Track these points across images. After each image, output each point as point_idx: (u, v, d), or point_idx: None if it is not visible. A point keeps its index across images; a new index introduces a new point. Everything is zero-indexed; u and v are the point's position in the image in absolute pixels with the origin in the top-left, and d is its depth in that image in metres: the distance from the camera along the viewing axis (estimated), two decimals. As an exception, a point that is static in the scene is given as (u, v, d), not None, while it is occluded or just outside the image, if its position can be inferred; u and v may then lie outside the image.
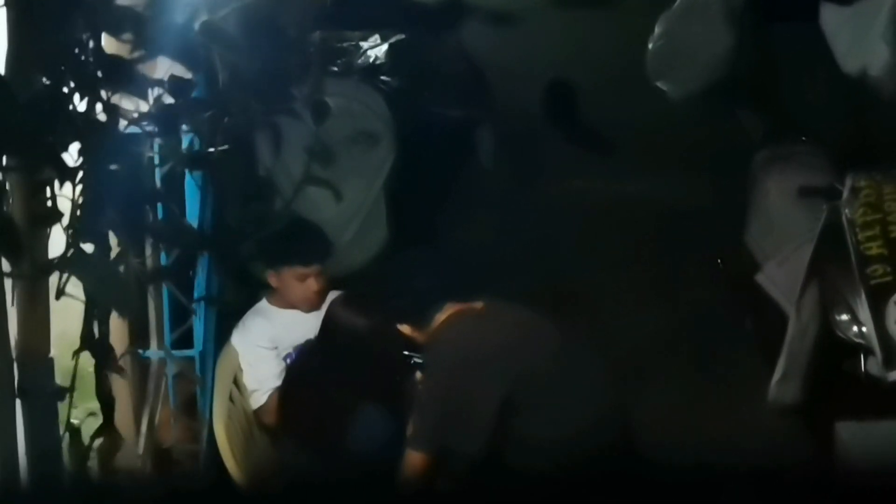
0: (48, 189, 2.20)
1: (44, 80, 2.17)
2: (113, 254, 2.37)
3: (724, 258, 4.77)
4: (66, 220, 2.22)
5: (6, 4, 2.16)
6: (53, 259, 2.21)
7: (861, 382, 3.78)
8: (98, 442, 2.46)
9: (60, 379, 2.36)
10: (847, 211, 3.86)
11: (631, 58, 5.21)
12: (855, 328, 3.76)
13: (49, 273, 2.22)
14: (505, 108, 5.25)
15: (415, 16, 4.95)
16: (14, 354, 2.24)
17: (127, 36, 2.31)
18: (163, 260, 3.52)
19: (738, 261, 4.54)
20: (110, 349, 2.40)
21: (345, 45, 4.85)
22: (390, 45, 4.88)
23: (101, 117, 2.26)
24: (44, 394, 2.29)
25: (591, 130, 5.51)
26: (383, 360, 3.50)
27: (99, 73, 2.22)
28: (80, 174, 2.22)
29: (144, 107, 2.40)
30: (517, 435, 3.19)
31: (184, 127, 2.68)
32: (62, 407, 2.36)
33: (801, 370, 3.95)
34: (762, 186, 4.54)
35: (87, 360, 2.44)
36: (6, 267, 2.18)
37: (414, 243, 4.22)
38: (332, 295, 3.73)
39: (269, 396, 3.68)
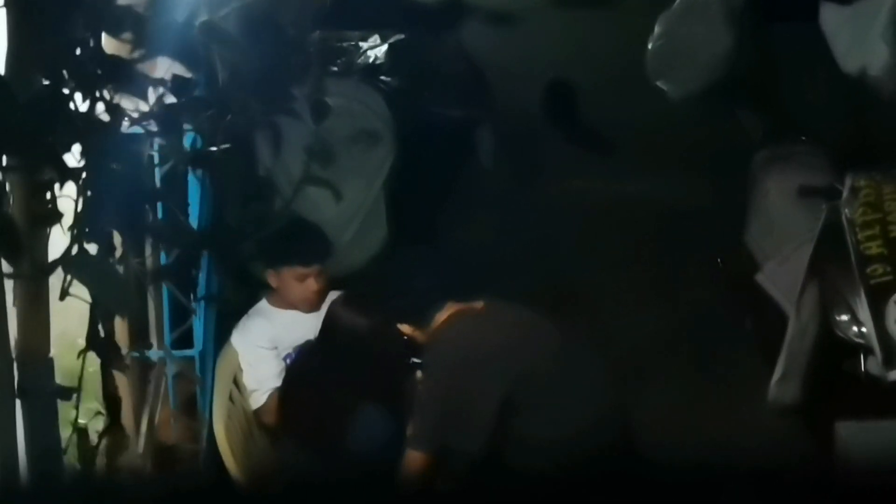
0: (48, 189, 2.20)
1: (44, 80, 2.17)
2: (116, 254, 2.37)
3: (724, 258, 4.77)
4: (66, 221, 2.22)
5: (6, 5, 2.16)
6: (53, 259, 2.21)
7: (861, 382, 3.78)
8: (104, 441, 2.47)
9: (61, 379, 2.36)
10: (847, 210, 3.86)
11: (631, 58, 5.21)
12: (855, 328, 3.76)
13: (49, 273, 2.22)
14: (505, 108, 5.25)
15: (415, 16, 4.95)
16: (14, 354, 2.24)
17: (127, 36, 2.31)
18: (163, 260, 3.52)
19: (737, 261, 4.55)
20: (116, 348, 2.40)
21: (344, 44, 4.85)
22: (390, 45, 4.89)
23: (102, 117, 2.26)
24: (44, 394, 2.29)
25: (591, 130, 5.51)
26: (383, 360, 3.51)
27: (99, 73, 2.21)
28: (80, 174, 2.22)
29: (145, 106, 2.40)
30: (517, 435, 3.19)
31: (185, 126, 2.67)
32: (67, 407, 2.36)
33: (800, 370, 3.95)
34: (762, 186, 4.54)
35: (87, 360, 2.44)
36: (6, 267, 2.18)
37: (414, 243, 4.23)
38: (332, 295, 3.73)
39: (269, 396, 3.68)
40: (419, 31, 4.98)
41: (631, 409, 3.40)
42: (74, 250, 2.19)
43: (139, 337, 3.85)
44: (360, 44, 4.90)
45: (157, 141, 2.77)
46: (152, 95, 2.39)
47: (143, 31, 2.29)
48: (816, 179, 4.18)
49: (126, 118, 2.34)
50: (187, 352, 3.83)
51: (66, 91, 2.19)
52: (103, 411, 2.49)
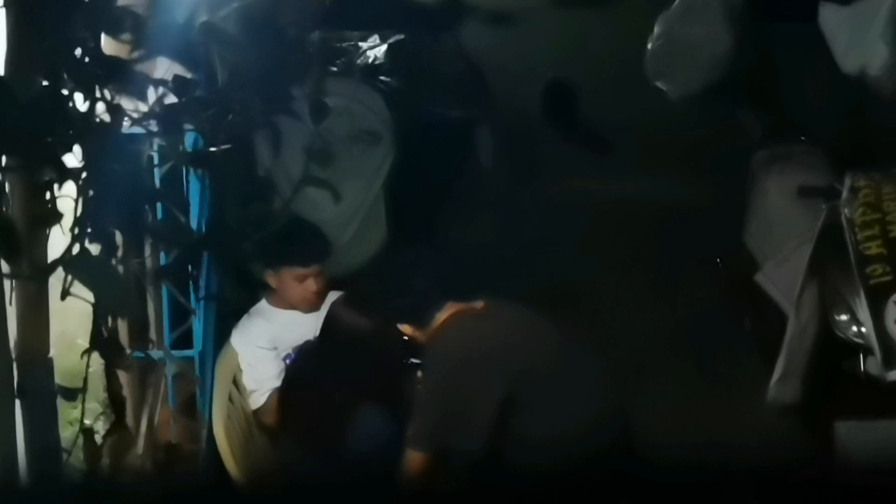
0: (48, 190, 2.20)
1: (43, 80, 2.17)
2: (117, 254, 2.37)
3: (724, 258, 4.77)
4: (66, 221, 2.22)
5: (5, 5, 2.16)
6: (53, 260, 2.21)
7: (860, 382, 3.78)
8: (109, 441, 2.46)
9: (60, 379, 2.36)
10: (846, 210, 3.86)
11: (631, 58, 5.21)
12: (854, 328, 3.77)
13: (48, 274, 2.22)
14: (505, 108, 5.26)
15: (414, 16, 4.95)
16: (14, 354, 2.24)
17: (126, 36, 2.31)
18: (162, 260, 3.52)
19: (737, 261, 4.55)
20: (120, 348, 2.40)
21: (344, 45, 4.85)
22: (390, 45, 4.89)
23: (101, 117, 2.26)
24: (43, 394, 2.29)
25: (591, 130, 5.51)
26: (384, 360, 3.51)
27: (98, 73, 2.21)
28: (80, 174, 2.22)
29: (144, 106, 2.39)
30: (517, 435, 3.19)
31: (185, 126, 2.67)
32: (67, 407, 2.36)
33: (800, 370, 3.95)
34: (761, 186, 4.54)
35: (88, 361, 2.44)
36: (6, 268, 2.18)
37: (414, 243, 4.23)
38: (332, 295, 3.73)
39: (269, 397, 3.68)
40: (419, 32, 4.98)
41: (631, 408, 3.40)
42: (74, 250, 2.19)
43: (139, 337, 3.85)
44: (360, 44, 4.90)
45: (156, 141, 2.77)
46: (152, 95, 2.39)
47: (143, 31, 2.29)
48: (816, 179, 4.18)
49: (126, 118, 2.34)
50: (187, 352, 3.82)
51: (65, 91, 2.19)
52: (107, 411, 2.48)
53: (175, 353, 3.85)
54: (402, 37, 4.90)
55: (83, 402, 2.32)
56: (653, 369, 4.31)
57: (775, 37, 5.00)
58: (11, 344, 2.23)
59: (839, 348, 3.84)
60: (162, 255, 3.48)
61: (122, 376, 3.12)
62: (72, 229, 2.20)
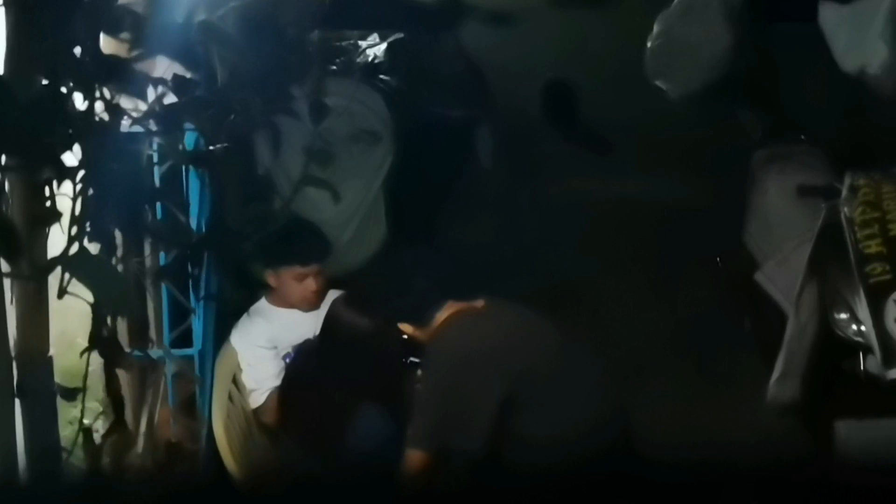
0: (47, 189, 2.20)
1: (43, 80, 2.17)
2: (116, 253, 2.37)
3: (724, 257, 4.77)
4: (65, 220, 2.22)
5: (5, 4, 2.16)
6: (52, 259, 2.21)
7: (860, 381, 3.78)
8: (108, 440, 2.46)
9: (60, 378, 2.36)
10: (846, 209, 3.86)
11: (631, 58, 5.21)
12: (854, 327, 3.76)
13: (48, 273, 2.22)
14: (505, 108, 5.25)
15: (414, 15, 4.95)
16: (13, 353, 2.24)
17: (125, 35, 2.31)
18: (162, 259, 3.52)
19: (737, 260, 4.55)
20: (119, 347, 2.40)
21: (344, 44, 4.85)
22: (389, 45, 4.89)
23: (101, 117, 2.26)
24: (43, 393, 2.29)
25: (591, 130, 5.51)
26: (384, 359, 3.51)
27: (98, 73, 2.21)
28: (80, 174, 2.22)
29: (144, 106, 2.39)
30: (517, 435, 3.19)
31: (184, 126, 2.67)
32: (67, 406, 2.36)
33: (799, 369, 3.95)
34: (761, 185, 4.54)
35: (86, 360, 2.44)
36: (5, 267, 2.18)
37: (413, 243, 4.23)
38: (332, 294, 3.73)
39: (269, 396, 3.68)
40: (418, 31, 4.98)
41: (631, 408, 3.40)
42: (74, 250, 2.19)
43: (139, 336, 3.85)
44: (360, 43, 4.90)
45: (156, 140, 2.77)
46: (151, 95, 2.39)
47: (142, 30, 2.29)
48: (815, 178, 4.18)
49: (125, 118, 2.34)
50: (187, 351, 3.82)
51: (65, 91, 2.19)
52: (107, 411, 2.48)
53: (175, 352, 3.86)
54: (401, 36, 4.90)
55: (83, 401, 2.32)
56: (653, 369, 4.31)
57: (775, 36, 4.99)
58: (11, 343, 2.23)
59: (839, 347, 3.83)
60: (162, 254, 3.48)
61: (122, 376, 3.12)
62: (71, 228, 2.20)
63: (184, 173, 3.44)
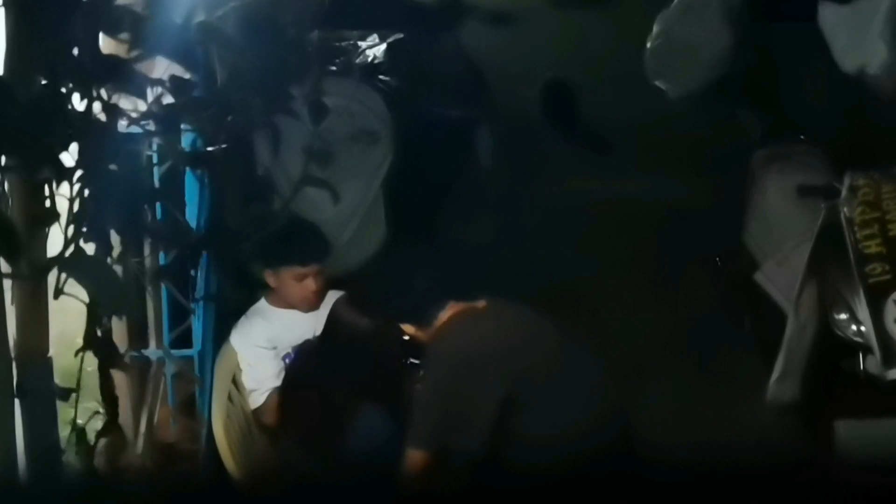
0: (46, 189, 2.20)
1: (42, 80, 2.17)
2: (114, 253, 2.37)
3: (723, 257, 4.77)
4: (64, 220, 2.22)
5: (5, 4, 2.16)
6: (51, 259, 2.21)
7: (859, 381, 3.78)
8: (103, 441, 2.46)
9: (59, 379, 2.36)
10: (845, 209, 3.86)
11: (631, 58, 5.21)
12: (853, 327, 3.77)
13: (47, 273, 2.22)
14: (505, 108, 5.26)
15: (414, 15, 4.95)
16: (13, 354, 2.24)
17: (125, 36, 2.31)
18: (161, 259, 3.52)
19: (736, 260, 4.55)
20: (114, 347, 2.40)
21: (343, 44, 4.85)
22: (389, 45, 4.88)
23: (100, 117, 2.26)
24: (43, 393, 2.29)
25: (591, 130, 5.51)
26: (385, 359, 3.51)
27: (97, 73, 2.21)
28: (79, 174, 2.22)
29: (143, 106, 2.39)
30: (517, 434, 3.19)
31: (183, 126, 2.67)
32: (65, 407, 2.36)
33: (799, 369, 3.95)
34: (761, 185, 4.54)
35: (86, 360, 2.44)
36: (5, 267, 2.18)
37: (413, 243, 4.23)
38: (332, 294, 3.73)
39: (268, 396, 3.68)
40: (418, 31, 4.98)
41: (631, 408, 3.40)
42: (71, 250, 2.19)
43: (138, 336, 3.85)
44: (359, 43, 4.89)
45: (155, 141, 2.77)
46: (151, 95, 2.38)
47: (141, 30, 2.29)
48: (815, 178, 4.18)
49: (124, 118, 2.34)
50: (186, 351, 3.83)
51: (64, 91, 2.19)
52: (101, 411, 2.48)
53: (174, 352, 3.86)
54: (401, 36, 4.90)
55: (76, 401, 2.32)
56: (653, 369, 4.31)
57: (775, 36, 5.00)
58: (11, 343, 2.23)
59: (838, 347, 3.84)
60: (161, 254, 3.48)
61: (122, 376, 3.13)
62: (70, 229, 2.20)
63: (184, 173, 3.44)
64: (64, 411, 2.39)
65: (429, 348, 3.32)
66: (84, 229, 2.22)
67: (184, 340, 3.85)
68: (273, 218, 3.03)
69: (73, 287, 2.22)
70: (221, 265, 2.97)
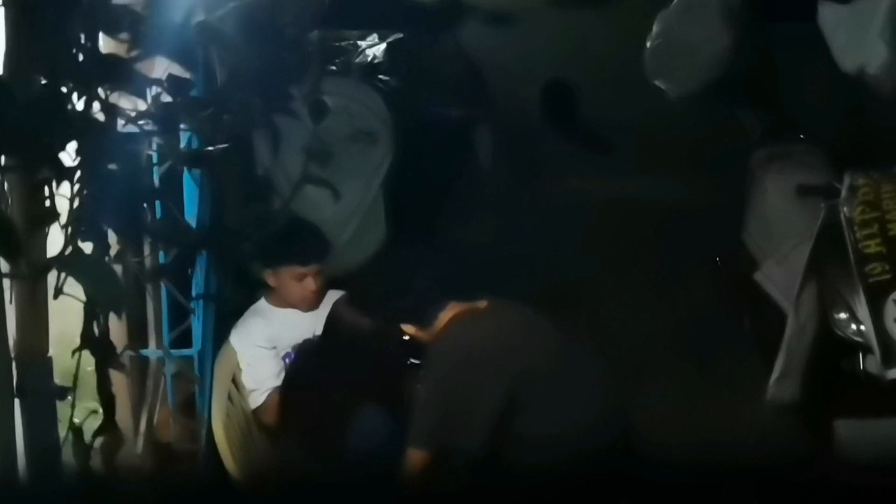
0: (46, 189, 2.20)
1: (42, 80, 2.17)
2: (112, 253, 2.37)
3: (723, 257, 4.77)
4: (63, 220, 2.22)
5: (5, 4, 2.16)
6: (51, 259, 2.21)
7: (859, 381, 3.78)
8: (100, 440, 2.46)
9: (59, 378, 2.36)
10: (845, 209, 3.86)
11: (631, 58, 5.21)
12: (853, 326, 3.76)
13: (47, 273, 2.22)
14: (504, 108, 5.25)
15: (414, 15, 4.95)
16: (13, 354, 2.24)
17: (124, 35, 2.31)
18: (161, 259, 3.52)
19: (736, 260, 4.55)
20: (111, 347, 2.40)
21: (343, 44, 4.84)
22: (388, 45, 4.88)
23: (99, 117, 2.26)
24: (42, 393, 2.29)
25: (591, 130, 5.51)
26: (385, 359, 3.51)
27: (96, 73, 2.21)
28: (78, 174, 2.22)
29: (142, 106, 2.39)
30: (518, 434, 3.19)
31: (182, 126, 2.67)
32: (63, 406, 2.36)
33: (799, 368, 3.95)
34: (760, 185, 4.54)
35: (86, 359, 2.44)
36: (5, 267, 2.18)
37: (412, 243, 4.22)
38: (332, 294, 3.73)
39: (268, 396, 3.68)
40: (418, 31, 4.98)
41: (631, 408, 3.40)
42: (70, 249, 2.19)
43: (138, 336, 3.85)
44: (359, 43, 4.89)
45: (155, 140, 2.77)
46: (150, 95, 2.38)
47: (141, 30, 2.29)
48: (815, 178, 4.18)
49: (124, 118, 2.34)
50: (186, 351, 3.83)
51: (64, 91, 2.19)
52: (99, 410, 2.48)
53: (174, 352, 3.86)
54: (401, 36, 4.89)
55: (73, 400, 2.32)
56: (653, 369, 4.31)
57: (775, 36, 4.99)
58: (11, 343, 2.23)
59: (838, 347, 3.83)
60: (161, 254, 3.48)
61: (122, 375, 3.12)
62: (69, 228, 2.20)
63: (183, 173, 3.44)
64: (67, 411, 2.40)
65: (429, 348, 3.31)
66: (83, 229, 2.22)
67: (183, 340, 3.85)
68: (273, 218, 3.03)
69: (73, 286, 2.22)
70: (221, 265, 2.98)
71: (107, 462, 2.44)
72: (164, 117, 2.41)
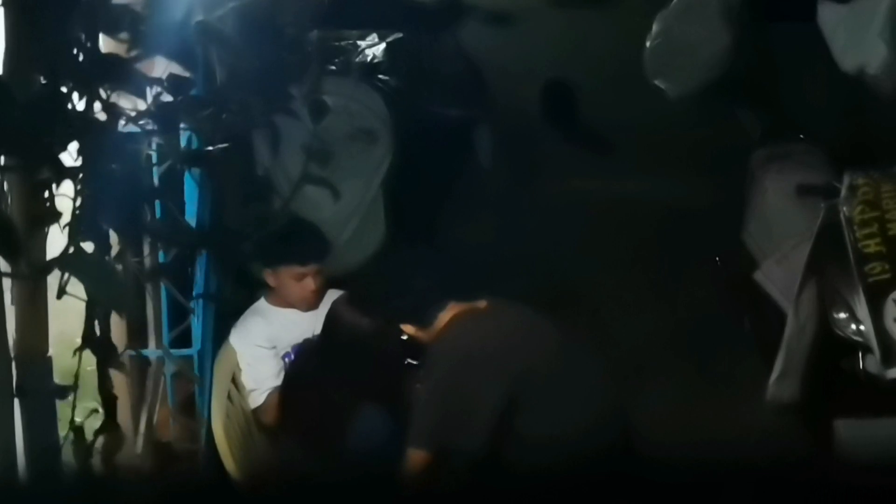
0: (46, 189, 2.20)
1: (42, 80, 2.17)
2: (113, 253, 2.37)
3: (723, 257, 4.77)
4: (64, 220, 2.22)
5: (4, 4, 2.16)
6: (51, 259, 2.21)
7: (859, 380, 3.78)
8: (101, 439, 2.46)
9: (59, 378, 2.36)
10: (845, 209, 3.86)
11: (631, 58, 5.21)
12: (853, 326, 3.76)
13: (47, 273, 2.22)
14: (504, 108, 5.25)
15: (413, 15, 4.95)
16: (13, 353, 2.24)
17: (124, 35, 2.31)
18: (161, 259, 3.52)
19: (736, 260, 4.55)
20: (112, 346, 2.40)
21: (343, 43, 4.85)
22: (388, 44, 4.88)
23: (99, 116, 2.26)
24: (42, 393, 2.29)
25: (591, 130, 5.51)
26: (384, 359, 3.51)
27: (96, 73, 2.21)
28: (79, 174, 2.22)
29: (142, 105, 2.39)
30: (518, 434, 3.19)
31: (182, 125, 2.67)
32: (64, 406, 2.36)
33: (799, 368, 3.95)
34: (760, 185, 4.54)
35: (86, 359, 2.44)
36: (5, 267, 2.18)
37: (412, 243, 4.22)
38: (331, 294, 3.73)
39: (268, 396, 3.68)
40: (418, 31, 4.98)
41: (631, 408, 3.40)
42: (72, 249, 2.19)
43: (138, 336, 3.85)
44: (359, 43, 4.89)
45: (155, 140, 2.77)
46: (150, 95, 2.39)
47: (141, 30, 2.29)
48: (814, 178, 4.18)
49: (124, 117, 2.34)
50: (186, 351, 3.83)
51: (64, 90, 2.19)
52: (99, 410, 2.48)
53: (174, 352, 3.86)
54: (400, 36, 4.89)
55: (74, 400, 2.32)
56: (653, 369, 4.31)
57: (775, 36, 4.99)
58: (10, 343, 2.23)
59: (838, 347, 3.83)
60: (161, 254, 3.48)
61: (122, 375, 3.12)
62: (70, 228, 2.20)
63: (184, 172, 3.44)
64: (67, 411, 2.40)
65: (429, 348, 3.32)
66: (84, 228, 2.22)
67: (183, 340, 3.85)
68: (273, 217, 3.03)
69: (74, 286, 2.22)
70: (221, 265, 2.98)
71: (107, 462, 2.44)
72: (164, 117, 2.41)
